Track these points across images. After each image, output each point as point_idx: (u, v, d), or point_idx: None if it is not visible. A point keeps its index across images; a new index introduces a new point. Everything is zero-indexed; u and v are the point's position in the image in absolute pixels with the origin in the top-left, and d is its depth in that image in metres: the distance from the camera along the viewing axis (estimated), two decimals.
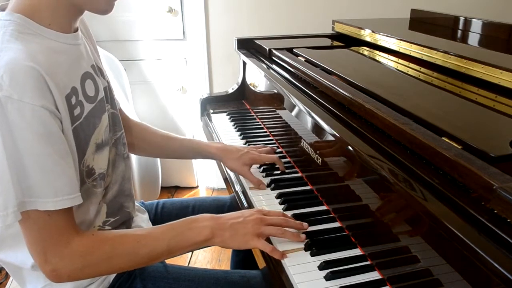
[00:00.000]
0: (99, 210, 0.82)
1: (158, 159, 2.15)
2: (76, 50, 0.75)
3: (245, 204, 0.93)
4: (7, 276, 1.68)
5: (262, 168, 1.04)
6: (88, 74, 0.77)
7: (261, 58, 1.34)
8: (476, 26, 1.27)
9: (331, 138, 0.84)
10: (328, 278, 0.69)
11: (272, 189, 0.96)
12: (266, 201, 0.92)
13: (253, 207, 0.90)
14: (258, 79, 1.34)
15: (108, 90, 0.85)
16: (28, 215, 0.64)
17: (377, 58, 1.19)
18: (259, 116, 1.35)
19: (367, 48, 1.28)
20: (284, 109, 1.11)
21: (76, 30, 0.76)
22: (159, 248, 0.73)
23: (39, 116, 0.61)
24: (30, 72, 0.61)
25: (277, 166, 1.04)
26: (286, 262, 0.73)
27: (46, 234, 0.66)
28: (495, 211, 0.51)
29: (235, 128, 1.30)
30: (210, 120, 1.39)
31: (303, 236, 0.78)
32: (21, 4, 0.67)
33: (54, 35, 0.70)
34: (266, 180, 0.99)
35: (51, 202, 0.63)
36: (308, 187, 0.96)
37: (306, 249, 0.75)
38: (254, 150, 1.05)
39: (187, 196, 2.32)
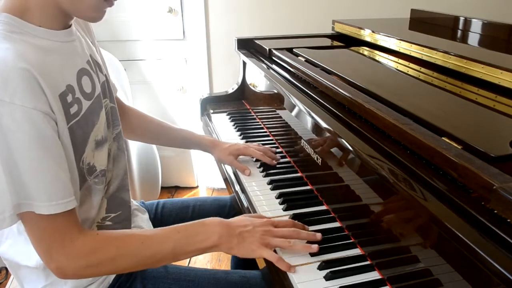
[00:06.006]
0: (101, 206, 0.82)
1: (158, 159, 2.15)
2: (70, 46, 0.74)
3: (245, 204, 0.93)
4: (7, 276, 1.69)
5: (261, 168, 1.04)
6: (84, 71, 0.76)
7: (261, 58, 1.34)
8: (476, 26, 1.27)
9: (331, 138, 0.84)
10: (328, 278, 0.69)
11: (272, 189, 0.96)
12: (266, 201, 0.92)
13: (253, 207, 0.90)
14: (258, 79, 1.34)
15: (106, 84, 0.84)
16: (28, 216, 0.64)
17: (377, 58, 1.19)
18: (259, 116, 1.35)
19: (367, 48, 1.28)
20: (284, 109, 1.11)
21: (70, 26, 0.74)
22: (164, 251, 0.72)
23: (31, 118, 0.60)
24: (21, 74, 0.60)
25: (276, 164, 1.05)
26: None
27: (50, 233, 0.66)
28: (495, 211, 0.51)
29: (235, 128, 1.30)
30: (210, 120, 1.39)
31: (315, 246, 0.73)
32: (10, 4, 0.66)
33: (45, 33, 0.68)
34: (266, 180, 0.99)
35: (45, 207, 0.63)
36: (308, 187, 0.96)
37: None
38: (243, 144, 1.11)
39: (187, 196, 2.32)
